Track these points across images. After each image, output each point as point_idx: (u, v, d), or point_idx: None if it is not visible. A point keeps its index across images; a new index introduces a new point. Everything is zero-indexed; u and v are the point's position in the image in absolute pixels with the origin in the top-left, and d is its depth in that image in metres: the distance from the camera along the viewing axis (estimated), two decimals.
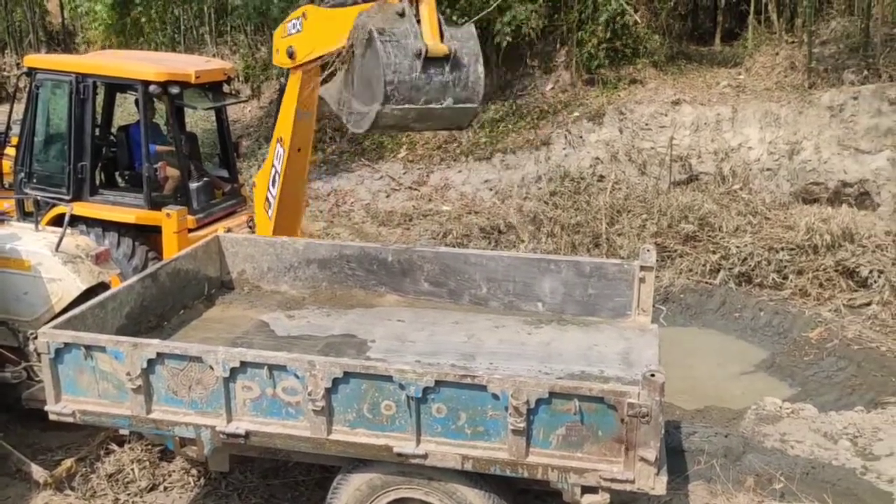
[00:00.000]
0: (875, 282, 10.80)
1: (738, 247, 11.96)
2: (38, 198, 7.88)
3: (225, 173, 9.50)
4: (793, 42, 15.79)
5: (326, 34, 6.10)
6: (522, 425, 3.91)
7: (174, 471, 5.69)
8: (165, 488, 5.54)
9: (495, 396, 3.93)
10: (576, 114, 15.85)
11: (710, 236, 12.45)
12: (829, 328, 10.44)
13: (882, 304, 10.55)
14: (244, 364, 4.16)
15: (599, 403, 3.85)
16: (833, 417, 7.25)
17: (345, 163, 16.36)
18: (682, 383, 9.65)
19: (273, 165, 7.38)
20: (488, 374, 3.99)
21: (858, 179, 12.61)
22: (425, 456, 4.08)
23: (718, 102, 14.75)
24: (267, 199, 7.46)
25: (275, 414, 4.25)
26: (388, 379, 4.01)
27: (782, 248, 11.74)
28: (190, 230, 8.02)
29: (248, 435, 4.28)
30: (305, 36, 6.48)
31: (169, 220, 7.79)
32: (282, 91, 7.80)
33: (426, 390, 3.98)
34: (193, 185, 8.61)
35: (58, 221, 8.01)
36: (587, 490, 4.02)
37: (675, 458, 5.74)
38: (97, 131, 8.50)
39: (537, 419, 3.94)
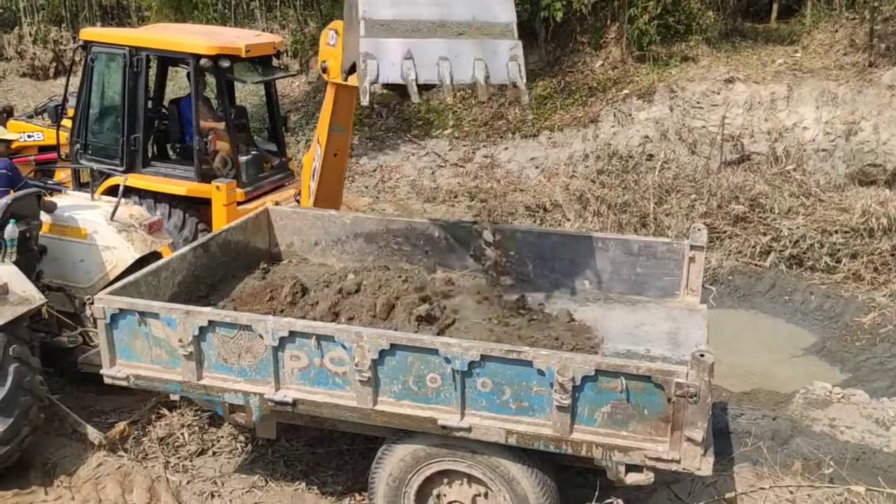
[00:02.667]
0: None
1: (789, 229, 11.70)
2: (94, 168, 8.07)
3: (273, 147, 9.60)
4: (854, 19, 15.27)
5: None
6: (567, 402, 3.90)
7: (222, 436, 5.82)
8: (214, 453, 5.67)
9: (541, 372, 3.92)
10: (625, 91, 15.61)
11: (760, 217, 12.19)
12: (882, 313, 10.19)
13: None
14: (293, 334, 4.22)
15: (647, 382, 3.82)
16: (885, 404, 7.08)
17: (391, 139, 16.38)
18: (729, 365, 9.51)
19: (315, 158, 7.49)
20: (534, 350, 3.98)
21: None
22: (469, 429, 4.11)
23: (773, 81, 14.38)
24: (309, 186, 7.58)
25: (322, 383, 4.31)
26: (434, 352, 4.04)
27: (836, 231, 11.45)
28: (239, 203, 8.13)
29: (295, 403, 4.35)
30: (339, 53, 6.21)
31: (218, 192, 7.89)
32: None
33: (472, 364, 3.99)
34: (243, 159, 8.73)
35: (112, 192, 8.20)
36: (631, 468, 4.00)
37: (721, 440, 5.67)
38: (150, 104, 8.63)
39: (583, 396, 3.93)
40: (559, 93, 16.42)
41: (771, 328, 10.89)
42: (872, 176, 12.84)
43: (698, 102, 14.56)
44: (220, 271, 5.60)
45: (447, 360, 4.02)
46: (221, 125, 8.49)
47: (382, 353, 4.10)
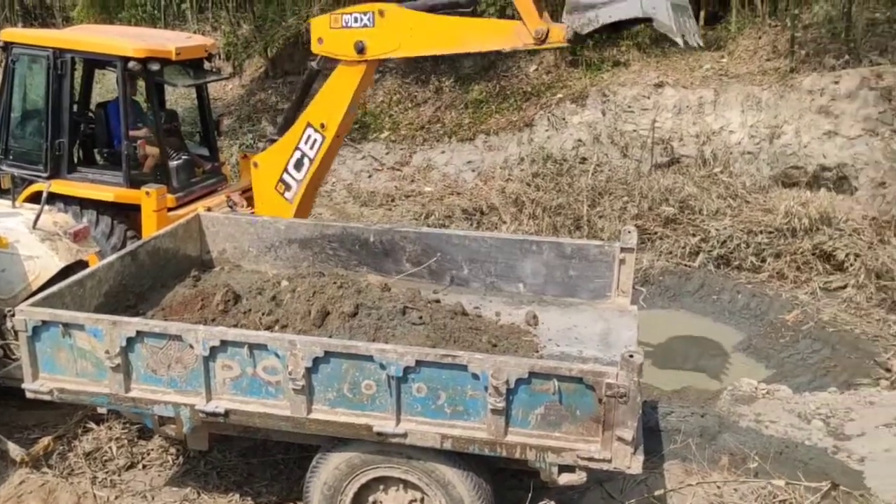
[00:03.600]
0: (851, 265, 10.95)
1: (717, 229, 12.07)
2: (15, 174, 7.79)
3: (206, 152, 9.43)
4: (776, 26, 15.83)
5: (419, 37, 6.56)
6: (502, 405, 3.94)
7: (153, 449, 5.68)
8: (144, 466, 5.53)
9: (475, 376, 3.95)
10: (559, 95, 15.85)
11: (690, 219, 12.55)
12: (805, 311, 10.60)
13: (857, 287, 10.70)
14: (224, 343, 4.16)
15: (578, 384, 3.89)
16: (807, 398, 7.37)
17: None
18: (660, 364, 9.79)
19: (299, 148, 7.37)
20: (469, 354, 4.01)
21: (837, 164, 12.70)
22: (405, 435, 4.11)
23: (701, 86, 14.79)
24: (283, 181, 7.45)
25: (255, 393, 4.25)
26: (369, 358, 4.03)
27: (761, 232, 11.87)
28: (169, 209, 7.95)
29: (227, 414, 4.28)
30: (383, 33, 6.67)
31: (148, 198, 7.71)
32: (310, 76, 7.84)
33: (407, 370, 4.00)
34: (173, 164, 8.54)
35: (35, 199, 7.91)
36: (564, 469, 4.07)
37: (651, 438, 5.81)
38: (75, 108, 8.39)
39: (516, 399, 3.97)
40: (494, 97, 16.57)
41: (700, 327, 11.21)
42: (795, 178, 13.32)
43: (629, 106, 14.86)
44: (148, 280, 5.47)
45: (382, 367, 4.02)
46: (151, 130, 8.30)
47: (316, 361, 4.07)
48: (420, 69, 17.23)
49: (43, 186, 7.88)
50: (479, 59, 17.08)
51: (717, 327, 11.10)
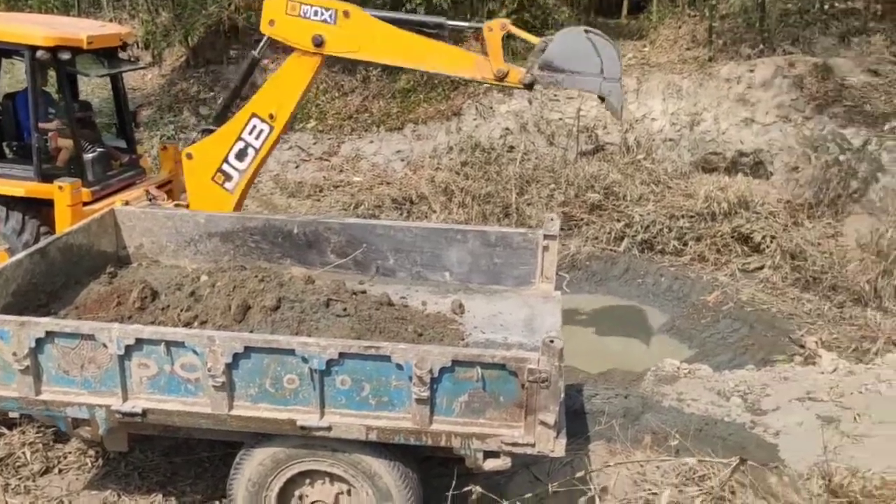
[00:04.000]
0: (767, 247, 11.37)
1: (641, 215, 12.36)
2: None
3: (122, 144, 9.12)
4: (695, 16, 16.25)
5: (381, 46, 6.77)
6: (426, 394, 3.95)
7: (70, 452, 5.49)
8: (60, 471, 5.34)
9: (399, 367, 3.94)
10: (486, 85, 15.88)
11: (614, 205, 12.81)
12: (725, 292, 10.96)
13: (773, 267, 11.13)
14: (140, 341, 4.04)
15: (501, 370, 3.92)
16: (726, 376, 7.62)
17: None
18: (586, 347, 9.98)
19: (242, 138, 7.20)
20: (392, 344, 4.00)
21: (754, 149, 13.14)
22: (329, 428, 4.07)
23: (623, 74, 15.01)
24: (223, 171, 7.26)
25: (173, 391, 4.15)
26: (291, 352, 3.97)
27: (682, 216, 12.21)
28: (85, 203, 7.67)
29: (145, 413, 4.16)
30: (345, 34, 6.77)
31: (61, 192, 7.41)
32: (251, 65, 7.71)
33: (330, 363, 3.96)
34: (88, 157, 8.24)
35: None
36: (489, 455, 4.10)
37: (576, 420, 5.92)
38: None
39: (441, 387, 3.98)
40: (423, 86, 16.53)
41: (625, 310, 11.49)
42: (714, 163, 13.73)
43: (555, 95, 15.03)
44: (61, 278, 5.26)
45: (305, 360, 3.97)
46: (63, 121, 7.98)
47: (236, 357, 3.99)
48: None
49: None
50: None
51: (641, 310, 11.38)
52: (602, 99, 6.80)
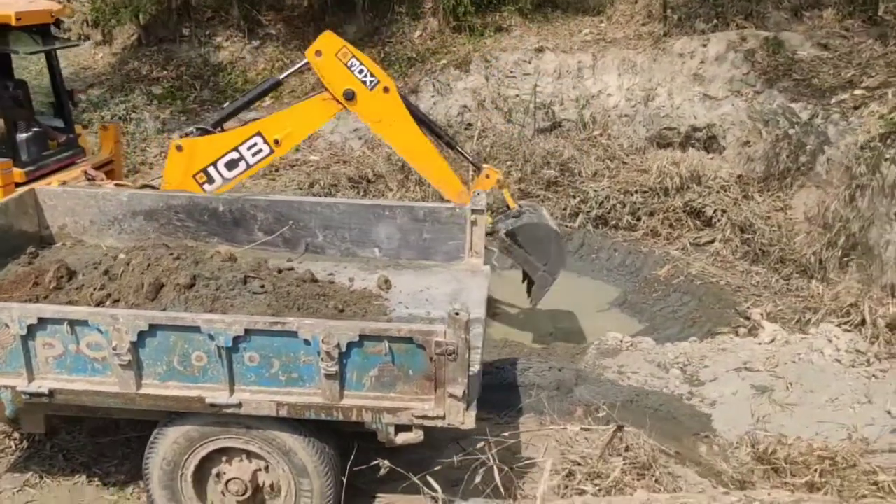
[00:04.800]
0: (718, 220, 11.45)
1: (595, 190, 12.39)
2: None
3: (60, 123, 8.95)
4: None
5: (396, 132, 7.37)
6: (335, 369, 3.92)
7: None
8: None
9: (307, 342, 3.91)
10: (443, 61, 15.80)
11: (570, 181, 12.82)
12: (676, 265, 11.04)
13: (724, 241, 11.22)
14: (43, 320, 3.96)
15: (409, 344, 3.90)
16: (667, 348, 7.68)
17: (206, 111, 15.71)
18: (534, 323, 10.01)
19: (238, 150, 7.29)
20: (298, 320, 3.96)
21: (707, 124, 13.18)
22: (239, 405, 4.04)
23: (580, 50, 15.02)
24: (208, 173, 7.28)
25: (81, 371, 4.09)
26: (197, 329, 3.92)
27: (636, 191, 12.25)
28: (18, 184, 7.53)
29: (52, 394, 4.10)
30: (375, 104, 7.26)
31: None
32: (273, 85, 8.35)
33: (237, 339, 3.92)
34: (21, 137, 8.10)
35: None
36: (401, 428, 4.09)
37: (509, 393, 5.94)
38: None
39: (350, 362, 3.96)
40: (379, 63, 16.33)
41: (579, 285, 11.51)
42: (669, 138, 13.76)
43: (511, 72, 14.97)
44: None
45: (211, 337, 3.92)
46: None
47: (142, 335, 3.93)
48: (302, 36, 16.84)
49: None
50: (363, 24, 16.86)
51: (595, 285, 11.43)
52: (530, 283, 7.99)
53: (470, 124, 14.70)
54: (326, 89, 7.44)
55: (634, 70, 14.26)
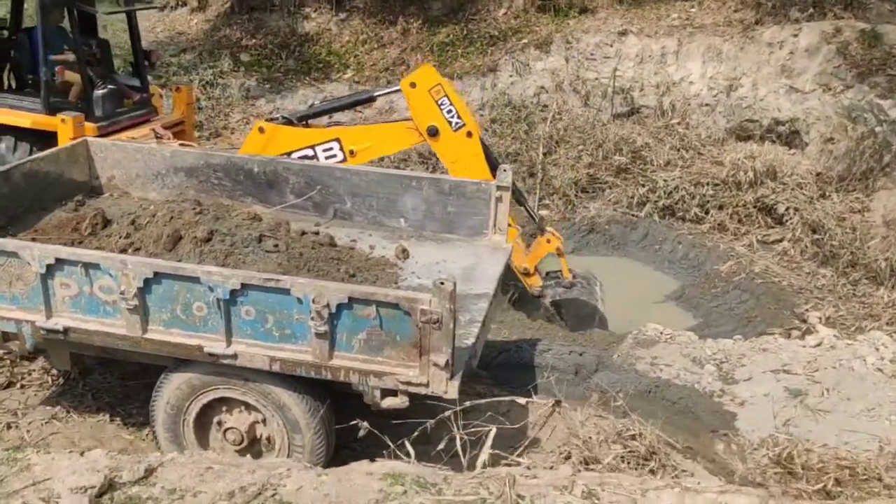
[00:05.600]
0: (790, 219, 10.99)
1: (665, 180, 12.08)
2: None
3: (137, 83, 9.39)
4: None
5: (464, 170, 7.26)
6: (325, 329, 4.02)
7: (34, 370, 5.78)
8: (22, 386, 5.64)
9: (299, 300, 4.03)
10: (524, 41, 15.67)
11: (641, 169, 12.55)
12: (739, 262, 10.69)
13: (793, 240, 10.77)
14: (60, 261, 4.22)
15: (396, 310, 3.96)
16: (707, 344, 7.47)
17: (290, 81, 16.12)
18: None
19: (314, 148, 7.52)
20: (291, 278, 4.08)
21: (790, 118, 12.63)
22: (235, 356, 4.20)
23: (665, 35, 14.60)
24: None
25: (93, 311, 4.33)
26: (197, 280, 4.09)
27: (708, 183, 11.87)
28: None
29: (66, 331, 4.37)
30: (454, 145, 7.43)
31: (64, 125, 7.72)
32: (367, 98, 8.66)
33: (234, 293, 4.07)
34: (98, 93, 8.53)
35: None
36: (387, 393, 4.17)
37: (524, 372, 5.92)
38: (4, 33, 8.36)
39: (340, 324, 4.05)
40: (461, 40, 16.38)
41: (639, 275, 11.32)
42: (749, 131, 13.26)
43: (592, 54, 14.71)
44: (25, 202, 5.49)
45: (210, 289, 4.09)
46: (71, 56, 8.26)
47: (148, 282, 4.13)
48: (388, 9, 17.01)
49: None
50: (448, 0, 16.87)
51: (655, 276, 11.20)
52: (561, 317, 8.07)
53: (546, 106, 14.55)
54: (411, 119, 7.61)
55: (720, 58, 13.77)
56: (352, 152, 7.56)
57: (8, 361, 5.79)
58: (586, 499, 2.75)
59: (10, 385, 5.63)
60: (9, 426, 5.16)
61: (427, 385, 4.00)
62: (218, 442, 4.63)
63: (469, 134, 7.48)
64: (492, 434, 3.19)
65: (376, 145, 7.71)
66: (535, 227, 8.46)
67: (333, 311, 3.98)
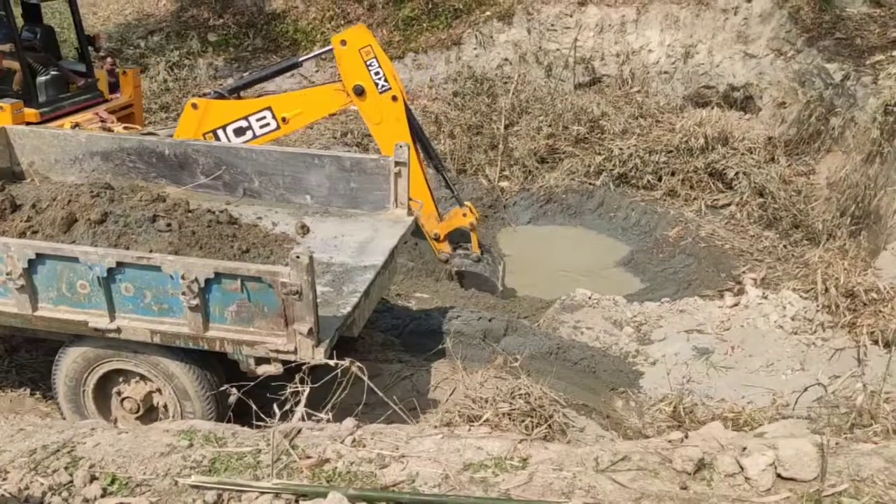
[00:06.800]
0: (738, 184, 11.14)
1: (621, 148, 12.21)
2: None
3: (82, 68, 9.58)
4: None
5: (388, 134, 7.57)
6: (196, 302, 4.26)
7: None
8: None
9: (172, 277, 4.26)
10: (487, 13, 15.73)
11: (599, 138, 12.68)
12: (687, 227, 10.87)
13: (741, 204, 10.93)
14: None
15: (260, 283, 4.19)
16: (628, 307, 7.69)
17: (257, 59, 16.26)
18: (531, 277, 10.12)
19: (248, 120, 7.75)
20: (161, 256, 4.31)
21: (744, 83, 12.73)
22: (119, 330, 4.46)
23: (624, 4, 14.64)
24: (216, 134, 7.77)
25: None
26: (76, 260, 4.33)
27: (661, 151, 12.01)
28: (31, 123, 8.18)
29: None
30: (379, 107, 7.65)
31: (2, 112, 7.94)
32: (292, 65, 8.82)
33: (111, 271, 4.31)
34: (41, 79, 8.74)
35: None
36: (261, 361, 4.41)
37: (431, 339, 6.16)
38: None
39: (212, 297, 4.29)
40: (426, 14, 16.45)
41: (592, 242, 11.53)
42: (707, 97, 13.36)
43: (553, 25, 14.78)
44: None
45: (90, 268, 4.33)
46: (7, 46, 8.45)
47: (32, 262, 4.38)
48: None
49: None
50: None
51: (607, 243, 11.40)
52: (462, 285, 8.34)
53: (510, 78, 14.66)
54: (340, 80, 7.76)
55: (677, 25, 13.83)
56: (284, 119, 7.77)
57: None
58: (354, 446, 2.99)
59: None
60: None
61: (295, 352, 4.25)
62: (119, 411, 4.90)
63: (394, 98, 7.67)
64: (306, 392, 3.42)
65: (307, 110, 7.92)
66: (453, 198, 8.67)
67: (202, 285, 4.22)
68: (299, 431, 3.08)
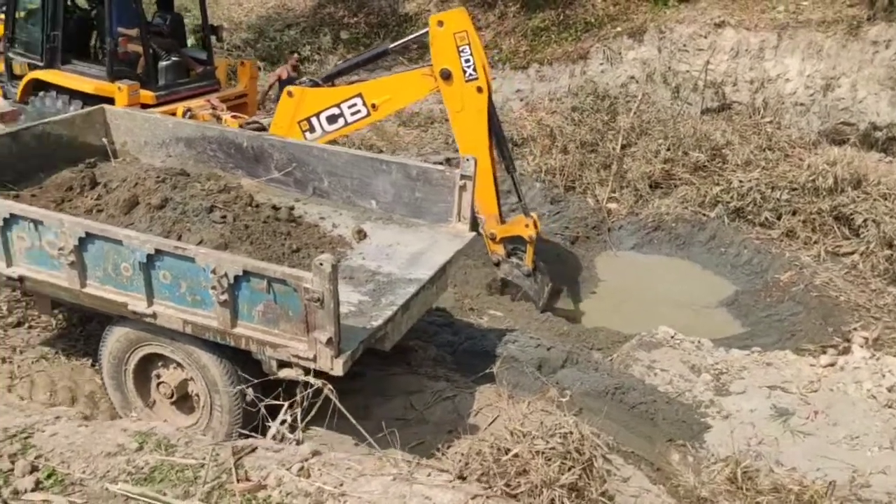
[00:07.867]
0: (867, 231, 10.20)
1: (741, 181, 11.49)
2: (13, 61, 8.66)
3: (204, 56, 9.98)
4: None
5: (469, 124, 7.59)
6: (225, 297, 4.24)
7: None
8: (30, 327, 6.23)
9: (204, 270, 4.27)
10: (618, 28, 15.27)
11: (719, 168, 12.00)
12: (801, 272, 10.05)
13: (866, 254, 10.02)
14: (14, 216, 4.67)
15: (286, 286, 4.12)
16: (710, 352, 7.16)
17: (384, 60, 16.47)
18: (623, 307, 9.65)
19: (339, 107, 7.85)
20: (196, 248, 4.32)
21: (888, 123, 11.68)
22: (154, 316, 4.51)
23: (765, 28, 13.79)
24: (310, 122, 7.90)
25: (43, 264, 4.76)
26: (120, 243, 4.42)
27: (784, 187, 11.19)
28: (146, 105, 8.60)
29: (21, 279, 4.84)
30: (463, 94, 7.53)
31: (120, 92, 8.37)
32: (382, 53, 8.89)
33: (150, 257, 4.37)
34: (162, 64, 9.16)
35: (37, 87, 8.76)
36: (283, 364, 4.34)
37: (483, 360, 5.92)
38: (70, 2, 9.12)
39: (241, 294, 4.26)
40: (556, 26, 16.17)
41: (697, 277, 10.89)
42: (845, 134, 12.37)
43: (685, 45, 14.16)
44: (34, 161, 6.02)
45: (132, 252, 4.41)
46: (135, 31, 8.91)
47: (82, 241, 4.51)
48: None
49: (39, 75, 8.69)
50: None
51: (713, 280, 10.73)
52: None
53: (633, 96, 14.15)
54: (427, 65, 7.70)
55: (819, 55, 12.88)
56: (374, 106, 7.75)
57: (24, 303, 6.41)
58: (299, 475, 2.82)
59: (19, 324, 6.23)
60: (3, 360, 5.73)
61: (314, 360, 4.15)
62: (155, 394, 4.99)
63: (479, 89, 7.47)
64: (285, 407, 3.29)
65: (395, 96, 7.89)
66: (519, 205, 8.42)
67: (232, 281, 4.20)
68: (254, 449, 2.98)
